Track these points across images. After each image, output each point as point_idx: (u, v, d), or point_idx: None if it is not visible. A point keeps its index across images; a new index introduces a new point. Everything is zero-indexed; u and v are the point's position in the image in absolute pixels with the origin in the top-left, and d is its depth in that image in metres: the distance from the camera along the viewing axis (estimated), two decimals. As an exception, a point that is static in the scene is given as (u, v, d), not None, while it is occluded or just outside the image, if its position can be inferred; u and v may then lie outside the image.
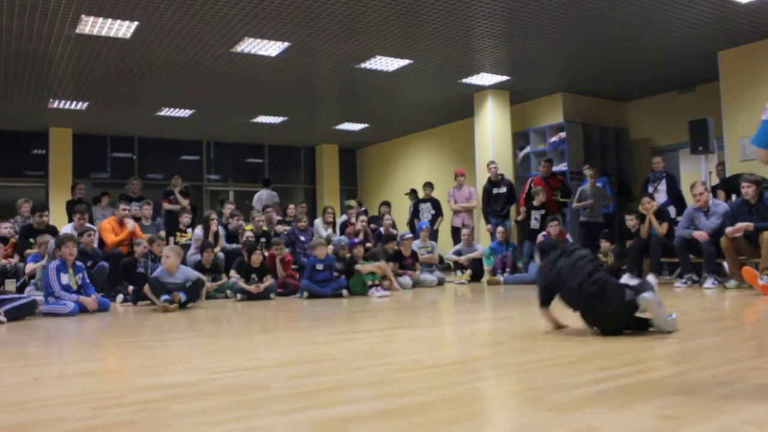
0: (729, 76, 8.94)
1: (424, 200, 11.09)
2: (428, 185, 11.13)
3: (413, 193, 11.86)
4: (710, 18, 7.64)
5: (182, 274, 6.66)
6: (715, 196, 8.01)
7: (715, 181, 9.25)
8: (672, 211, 8.70)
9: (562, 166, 10.84)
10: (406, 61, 8.98)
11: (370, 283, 7.71)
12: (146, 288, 6.51)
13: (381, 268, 8.03)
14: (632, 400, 2.23)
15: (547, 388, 2.46)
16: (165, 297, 6.25)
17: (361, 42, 8.10)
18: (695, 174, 11.31)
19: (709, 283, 7.01)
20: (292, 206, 10.40)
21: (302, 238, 9.08)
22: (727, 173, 8.89)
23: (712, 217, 7.21)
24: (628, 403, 2.20)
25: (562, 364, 2.97)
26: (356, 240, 8.46)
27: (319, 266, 7.58)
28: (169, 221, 9.70)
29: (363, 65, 9.09)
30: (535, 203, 9.60)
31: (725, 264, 7.22)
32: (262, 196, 12.16)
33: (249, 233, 8.79)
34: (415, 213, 11.09)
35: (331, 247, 8.54)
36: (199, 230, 8.66)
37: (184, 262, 8.05)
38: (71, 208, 8.97)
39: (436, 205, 10.96)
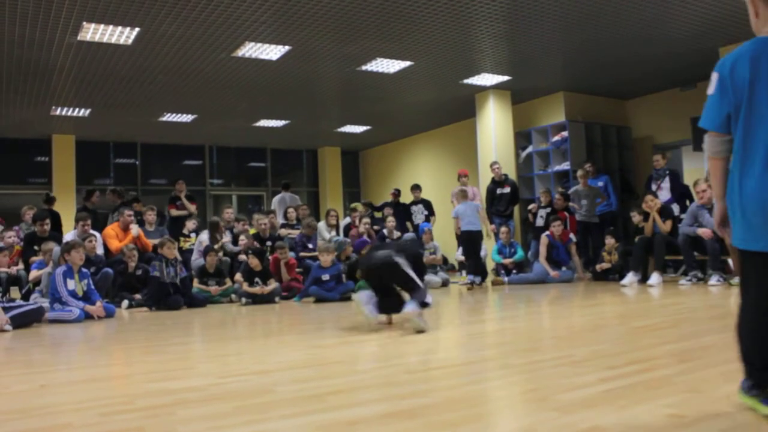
0: (730, 72, 8.90)
1: (415, 202, 11.11)
2: (416, 187, 11.22)
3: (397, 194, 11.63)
4: (711, 14, 7.63)
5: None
6: None
7: None
8: (675, 208, 8.68)
9: (564, 165, 10.83)
10: (407, 63, 8.98)
11: None
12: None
13: None
14: (638, 399, 2.23)
15: (553, 388, 2.46)
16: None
17: (361, 44, 8.11)
18: (699, 171, 11.28)
19: (713, 280, 6.99)
20: (291, 209, 10.35)
21: (310, 246, 8.96)
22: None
23: (716, 214, 7.18)
24: (634, 402, 2.20)
25: (567, 363, 2.97)
26: (365, 239, 8.31)
27: (325, 276, 7.41)
28: (171, 226, 9.68)
29: (364, 67, 9.10)
30: (542, 202, 9.59)
31: (730, 261, 7.21)
32: (285, 198, 12.05)
33: (242, 238, 8.71)
34: (407, 215, 11.07)
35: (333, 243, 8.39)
36: (204, 235, 8.66)
37: (187, 266, 8.07)
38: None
39: (428, 205, 11.02)
